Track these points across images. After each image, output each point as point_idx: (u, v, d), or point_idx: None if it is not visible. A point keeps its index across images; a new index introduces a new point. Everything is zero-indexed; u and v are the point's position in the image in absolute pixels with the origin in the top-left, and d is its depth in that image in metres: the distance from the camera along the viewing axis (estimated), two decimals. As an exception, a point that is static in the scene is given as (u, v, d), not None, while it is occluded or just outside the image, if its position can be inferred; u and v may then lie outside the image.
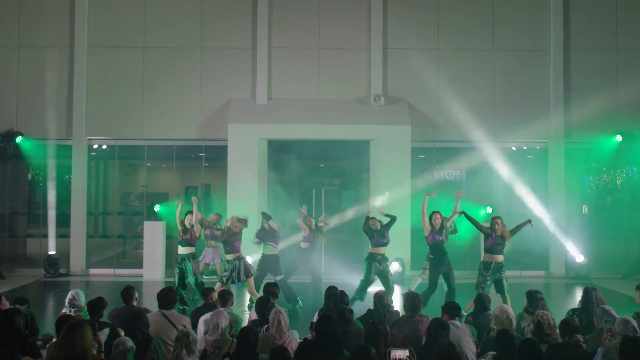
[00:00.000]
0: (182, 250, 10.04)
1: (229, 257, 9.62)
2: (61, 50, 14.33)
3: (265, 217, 10.44)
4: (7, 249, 14.54)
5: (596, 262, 13.93)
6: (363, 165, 15.04)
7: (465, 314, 7.09)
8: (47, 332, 6.93)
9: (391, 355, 4.56)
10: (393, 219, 9.97)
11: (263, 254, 10.44)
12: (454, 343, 4.83)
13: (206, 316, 6.10)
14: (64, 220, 14.47)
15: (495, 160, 14.09)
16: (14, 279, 13.18)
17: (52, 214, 13.91)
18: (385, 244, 9.80)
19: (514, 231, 9.09)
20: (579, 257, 13.57)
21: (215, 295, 7.16)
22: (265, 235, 10.35)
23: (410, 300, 6.12)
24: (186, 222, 10.04)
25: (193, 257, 10.03)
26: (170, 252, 13.70)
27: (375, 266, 9.66)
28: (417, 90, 14.40)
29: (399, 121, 13.87)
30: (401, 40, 14.47)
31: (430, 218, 9.42)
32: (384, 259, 9.75)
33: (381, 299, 6.83)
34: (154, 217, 13.80)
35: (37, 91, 14.23)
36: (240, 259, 9.59)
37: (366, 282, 9.71)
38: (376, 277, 9.77)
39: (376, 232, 9.79)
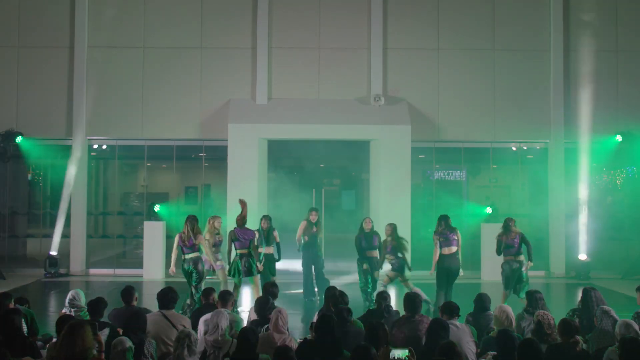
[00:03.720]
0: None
1: (242, 251, 9.52)
2: (61, 50, 14.32)
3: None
4: (7, 249, 14.54)
5: (596, 262, 13.94)
6: (363, 165, 15.04)
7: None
8: (47, 332, 6.92)
9: (391, 354, 4.56)
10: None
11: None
12: (455, 342, 4.82)
13: (206, 316, 6.10)
14: (64, 220, 14.47)
15: (495, 160, 14.10)
16: (14, 279, 13.18)
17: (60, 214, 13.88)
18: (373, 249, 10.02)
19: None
20: (582, 256, 13.61)
21: (216, 296, 7.15)
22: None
23: (411, 300, 6.12)
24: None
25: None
26: (170, 252, 13.67)
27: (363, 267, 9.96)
28: (417, 90, 14.40)
29: (399, 121, 13.87)
30: (401, 40, 14.48)
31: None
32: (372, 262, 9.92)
33: (384, 299, 6.82)
34: (154, 217, 13.80)
35: (37, 91, 14.24)
36: (247, 255, 9.52)
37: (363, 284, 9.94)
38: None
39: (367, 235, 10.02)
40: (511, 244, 9.40)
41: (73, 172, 13.89)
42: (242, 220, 9.57)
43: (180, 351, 4.87)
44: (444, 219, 9.53)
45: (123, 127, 14.35)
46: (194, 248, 9.10)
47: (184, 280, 9.41)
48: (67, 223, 14.18)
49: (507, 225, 9.50)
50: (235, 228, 9.59)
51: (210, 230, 9.81)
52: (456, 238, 9.41)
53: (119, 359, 4.71)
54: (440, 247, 9.37)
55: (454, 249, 9.38)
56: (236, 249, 9.55)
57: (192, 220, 9.18)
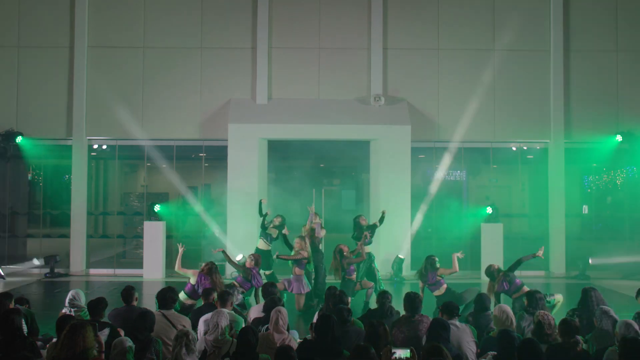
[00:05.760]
0: None
1: None
2: (61, 50, 14.32)
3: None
4: (7, 249, 14.54)
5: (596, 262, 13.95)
6: (363, 165, 15.04)
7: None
8: (47, 332, 6.92)
9: (392, 355, 4.55)
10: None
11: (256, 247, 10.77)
12: (441, 345, 4.65)
13: (206, 316, 6.10)
14: (64, 220, 14.48)
15: (495, 160, 14.09)
16: (14, 279, 13.17)
17: None
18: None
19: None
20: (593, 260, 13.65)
21: (216, 296, 7.15)
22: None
23: (411, 300, 6.12)
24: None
25: None
26: (170, 252, 13.70)
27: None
28: (417, 90, 14.40)
29: (399, 121, 13.87)
30: (401, 40, 14.48)
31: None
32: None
33: (387, 299, 6.80)
34: (154, 217, 13.80)
35: (37, 91, 14.25)
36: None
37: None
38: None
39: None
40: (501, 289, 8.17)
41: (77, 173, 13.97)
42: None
43: (179, 350, 4.87)
44: (431, 261, 8.59)
45: (123, 127, 14.31)
46: (196, 296, 8.41)
47: (184, 280, 9.40)
48: (67, 223, 14.21)
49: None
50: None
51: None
52: (440, 279, 8.54)
53: (119, 359, 4.71)
54: (431, 291, 8.61)
55: (444, 287, 8.55)
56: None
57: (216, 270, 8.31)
